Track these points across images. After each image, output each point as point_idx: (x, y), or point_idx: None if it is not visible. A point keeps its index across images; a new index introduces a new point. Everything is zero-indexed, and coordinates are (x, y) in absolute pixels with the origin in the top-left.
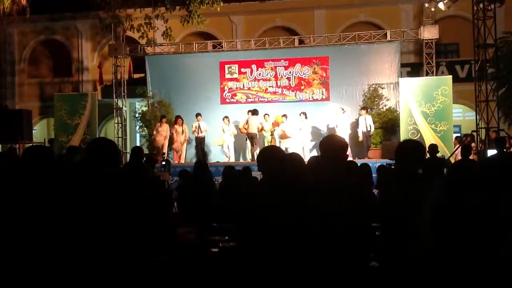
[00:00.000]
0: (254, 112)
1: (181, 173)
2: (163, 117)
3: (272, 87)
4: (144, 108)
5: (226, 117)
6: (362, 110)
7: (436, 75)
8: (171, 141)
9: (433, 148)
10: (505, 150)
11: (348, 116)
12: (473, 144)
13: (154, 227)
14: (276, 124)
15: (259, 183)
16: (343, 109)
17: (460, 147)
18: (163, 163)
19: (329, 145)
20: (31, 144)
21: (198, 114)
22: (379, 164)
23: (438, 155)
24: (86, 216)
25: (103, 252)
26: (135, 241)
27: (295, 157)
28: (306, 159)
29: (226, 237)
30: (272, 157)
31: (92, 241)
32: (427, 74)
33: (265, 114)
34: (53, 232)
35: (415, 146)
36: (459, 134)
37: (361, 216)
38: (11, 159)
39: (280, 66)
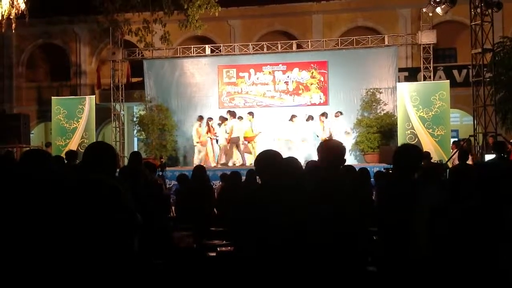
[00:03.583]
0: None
1: (179, 177)
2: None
3: (270, 91)
4: (142, 112)
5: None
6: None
7: (433, 79)
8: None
9: (427, 156)
10: (503, 155)
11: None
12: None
13: (151, 231)
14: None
15: (257, 187)
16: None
17: (457, 152)
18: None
19: (328, 149)
20: (28, 148)
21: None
22: (377, 169)
23: (435, 160)
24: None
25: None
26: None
27: (293, 161)
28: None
29: (224, 241)
30: (270, 161)
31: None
32: (424, 79)
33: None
34: (49, 234)
35: (412, 150)
36: (456, 139)
37: (359, 220)
38: (8, 162)
39: (278, 71)
